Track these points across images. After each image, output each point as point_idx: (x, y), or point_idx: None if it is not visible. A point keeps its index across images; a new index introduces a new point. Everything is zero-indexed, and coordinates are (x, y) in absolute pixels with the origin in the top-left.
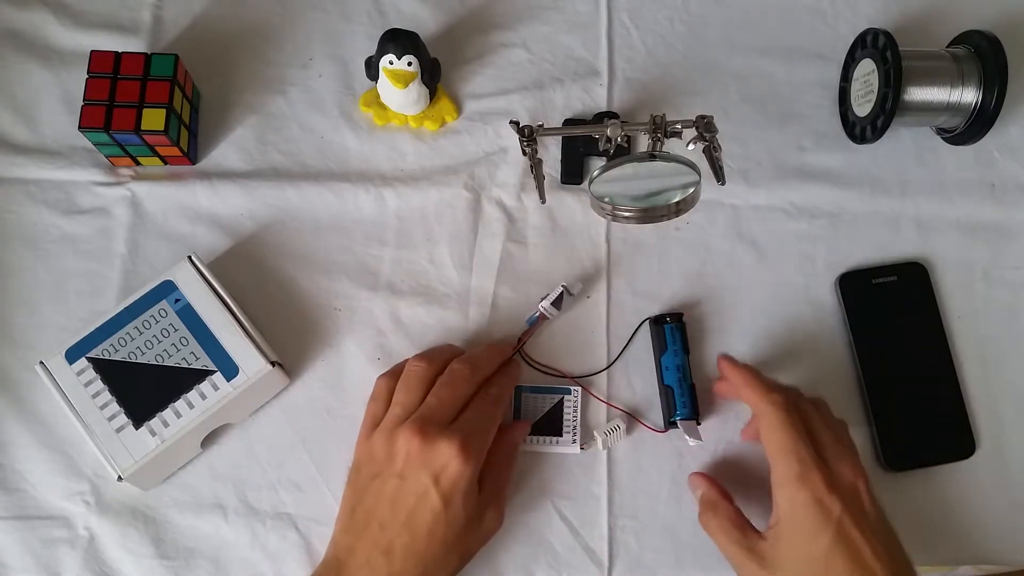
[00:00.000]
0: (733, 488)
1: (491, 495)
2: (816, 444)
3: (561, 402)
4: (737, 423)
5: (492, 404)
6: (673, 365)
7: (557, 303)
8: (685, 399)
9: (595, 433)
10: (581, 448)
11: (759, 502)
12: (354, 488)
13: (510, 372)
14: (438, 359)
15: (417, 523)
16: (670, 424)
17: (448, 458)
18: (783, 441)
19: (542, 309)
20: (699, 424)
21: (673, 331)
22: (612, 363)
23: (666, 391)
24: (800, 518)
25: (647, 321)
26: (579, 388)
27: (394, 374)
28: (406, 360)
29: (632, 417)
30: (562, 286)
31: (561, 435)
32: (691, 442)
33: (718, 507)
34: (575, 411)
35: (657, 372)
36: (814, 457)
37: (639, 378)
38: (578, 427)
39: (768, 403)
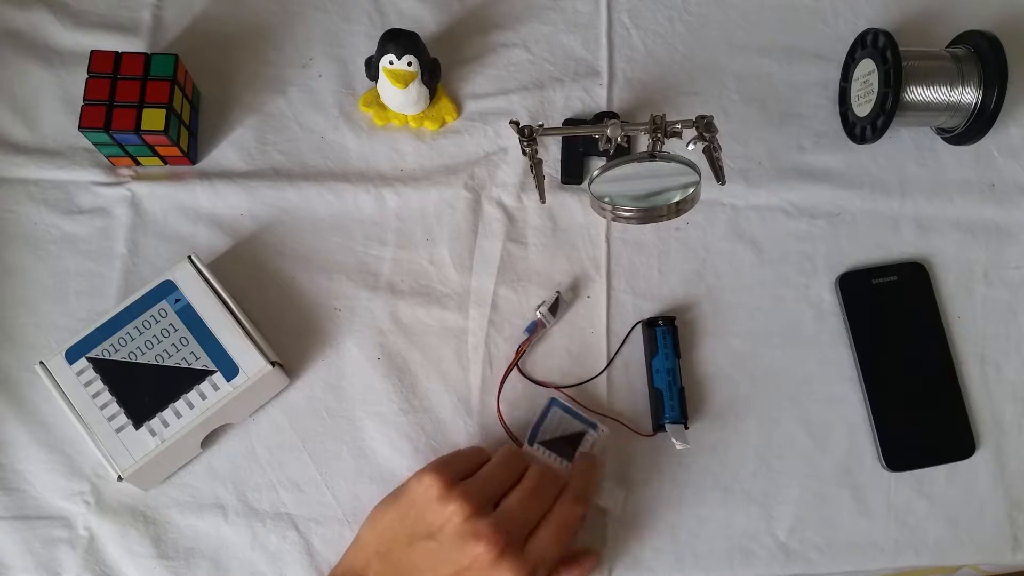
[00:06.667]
0: (723, 492)
1: None
2: None
3: (582, 434)
4: (735, 425)
5: (566, 530)
6: (663, 368)
7: (554, 309)
8: (674, 403)
9: (605, 487)
10: None
11: (747, 504)
12: (403, 517)
13: (586, 493)
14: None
15: None
16: (658, 427)
17: None
18: None
19: (539, 315)
20: (687, 428)
21: (664, 334)
22: (605, 368)
23: (655, 394)
24: None
25: (640, 324)
26: (607, 429)
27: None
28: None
29: (619, 422)
30: (557, 292)
31: (571, 461)
32: (678, 446)
33: None
34: (591, 449)
35: (647, 375)
36: None
37: (639, 380)
38: None
39: None
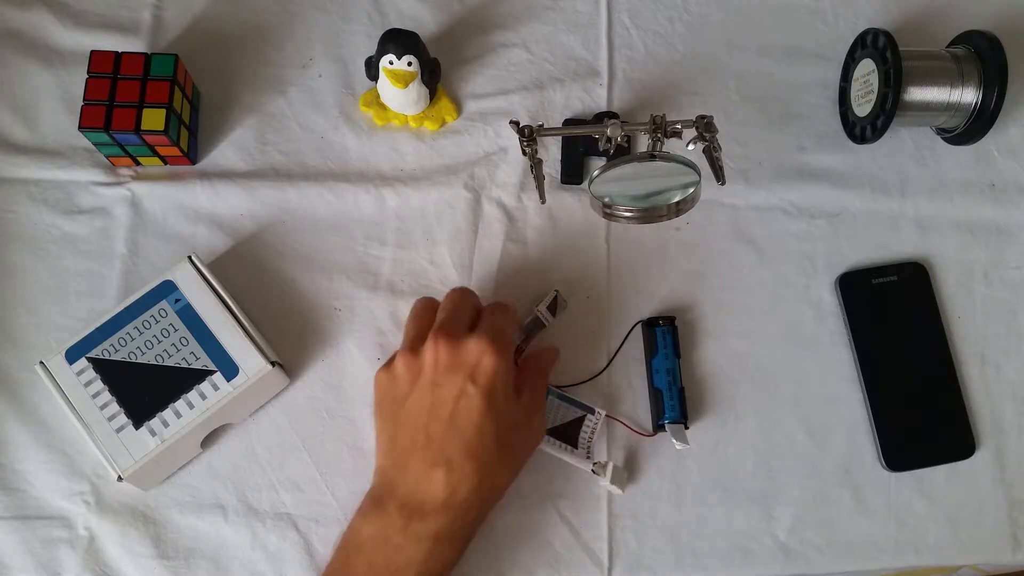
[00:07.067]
0: (723, 492)
1: (531, 402)
2: None
3: (582, 419)
4: (735, 425)
5: (503, 309)
6: (663, 368)
7: (553, 308)
8: (674, 403)
9: (610, 465)
10: (592, 470)
11: (747, 504)
12: (386, 418)
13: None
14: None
15: (463, 425)
16: (658, 427)
17: (479, 354)
18: None
19: (538, 313)
20: (687, 428)
21: (664, 334)
22: (605, 368)
23: (655, 394)
24: None
25: (640, 324)
26: (603, 413)
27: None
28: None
29: (619, 421)
30: (555, 291)
31: (576, 447)
32: (678, 446)
33: None
34: (592, 432)
35: (647, 375)
36: None
37: (639, 379)
38: (592, 447)
39: None
